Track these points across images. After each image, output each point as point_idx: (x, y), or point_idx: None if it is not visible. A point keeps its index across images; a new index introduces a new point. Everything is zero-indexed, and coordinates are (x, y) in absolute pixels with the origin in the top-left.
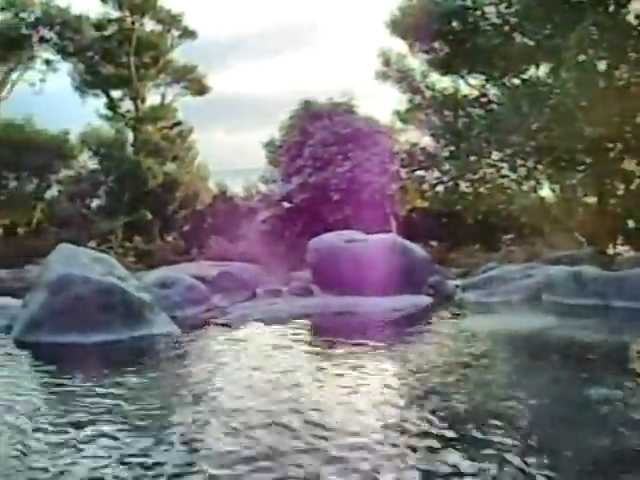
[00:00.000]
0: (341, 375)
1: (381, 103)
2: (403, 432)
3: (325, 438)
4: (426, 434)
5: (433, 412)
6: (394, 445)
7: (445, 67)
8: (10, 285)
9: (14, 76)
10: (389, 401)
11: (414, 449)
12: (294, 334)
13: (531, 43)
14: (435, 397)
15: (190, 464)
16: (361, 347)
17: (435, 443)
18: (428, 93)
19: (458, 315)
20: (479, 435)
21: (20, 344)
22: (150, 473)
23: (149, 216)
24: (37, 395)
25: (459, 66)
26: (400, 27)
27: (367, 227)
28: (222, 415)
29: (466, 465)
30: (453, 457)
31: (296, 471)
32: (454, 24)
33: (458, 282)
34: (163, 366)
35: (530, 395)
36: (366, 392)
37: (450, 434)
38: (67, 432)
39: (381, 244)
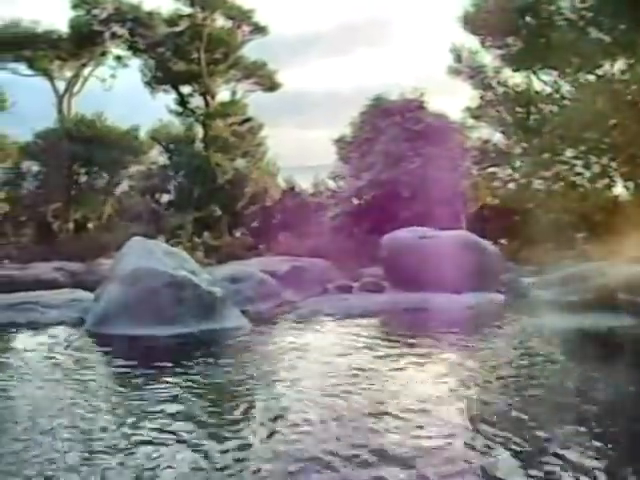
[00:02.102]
0: (418, 367)
1: (453, 99)
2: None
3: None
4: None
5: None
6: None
7: (518, 63)
8: (83, 278)
9: (86, 72)
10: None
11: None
12: (366, 329)
13: (607, 38)
14: (520, 393)
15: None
16: (435, 342)
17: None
18: (500, 89)
19: (531, 313)
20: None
21: (92, 336)
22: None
23: (218, 212)
24: (111, 386)
25: (532, 62)
26: (473, 22)
27: (437, 224)
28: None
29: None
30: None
31: None
32: (528, 19)
33: (531, 280)
34: (235, 359)
35: (607, 394)
36: (439, 382)
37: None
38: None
39: (454, 241)
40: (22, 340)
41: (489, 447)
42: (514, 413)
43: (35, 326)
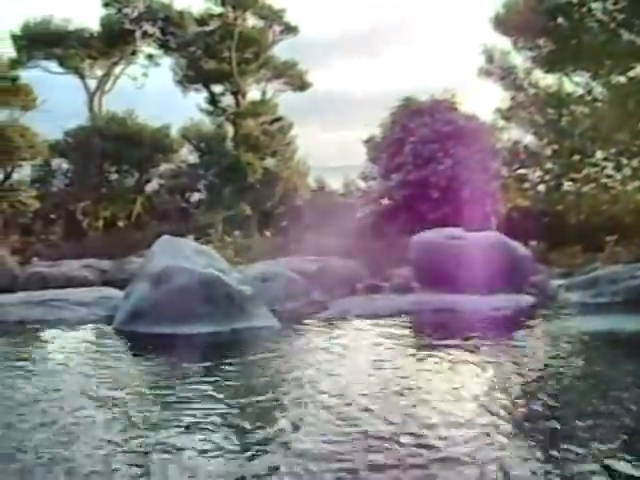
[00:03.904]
0: (445, 369)
1: (484, 101)
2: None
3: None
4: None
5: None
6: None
7: (549, 64)
8: (112, 276)
9: (117, 70)
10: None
11: None
12: (395, 330)
13: (638, 40)
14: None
15: None
16: (464, 344)
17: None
18: (531, 91)
19: (561, 315)
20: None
21: (121, 334)
22: None
23: (248, 211)
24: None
25: (563, 63)
26: (504, 23)
27: (467, 225)
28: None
29: None
30: None
31: None
32: (559, 20)
33: (561, 282)
34: (265, 359)
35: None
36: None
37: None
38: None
39: (484, 242)
40: (52, 337)
41: None
42: None
43: (65, 323)
